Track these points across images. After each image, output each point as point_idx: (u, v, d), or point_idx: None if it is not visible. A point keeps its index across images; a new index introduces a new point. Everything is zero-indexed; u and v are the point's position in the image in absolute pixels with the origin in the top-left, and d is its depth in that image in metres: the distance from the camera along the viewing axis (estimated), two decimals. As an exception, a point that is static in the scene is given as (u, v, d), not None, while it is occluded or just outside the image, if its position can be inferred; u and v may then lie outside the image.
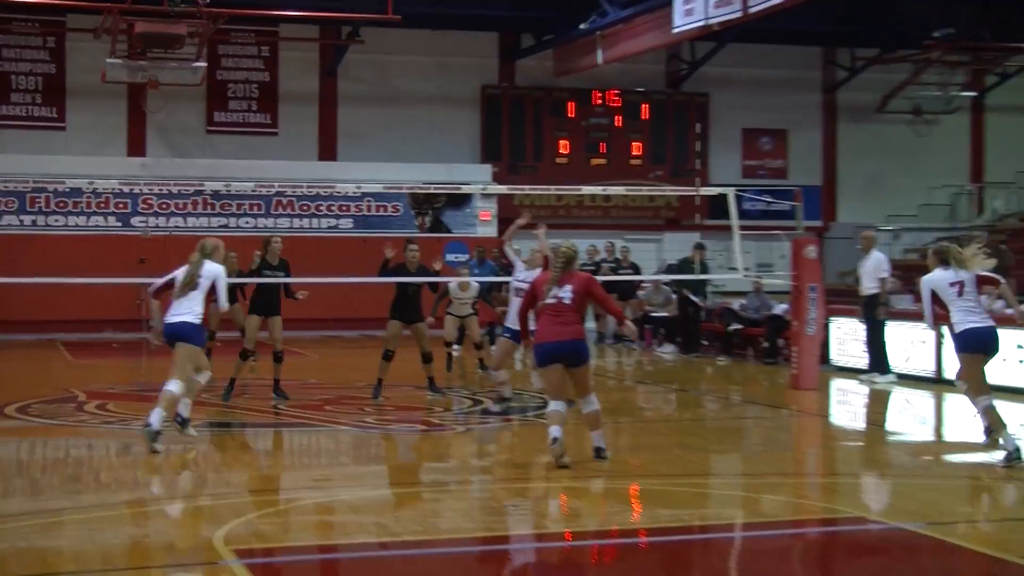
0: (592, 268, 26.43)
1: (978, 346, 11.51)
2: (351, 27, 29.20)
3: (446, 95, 31.35)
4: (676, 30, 23.58)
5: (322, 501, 9.96)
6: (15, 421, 14.11)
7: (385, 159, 29.92)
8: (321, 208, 29.29)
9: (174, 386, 12.17)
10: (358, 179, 26.08)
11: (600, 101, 31.83)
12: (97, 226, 28.02)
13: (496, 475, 11.33)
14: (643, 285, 26.63)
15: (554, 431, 11.00)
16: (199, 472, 11.47)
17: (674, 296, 24.66)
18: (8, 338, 25.82)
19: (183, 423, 12.41)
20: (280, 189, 26.96)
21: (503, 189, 26.49)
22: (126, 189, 27.03)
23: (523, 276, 14.41)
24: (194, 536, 8.76)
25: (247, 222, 28.66)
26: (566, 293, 11.15)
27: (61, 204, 27.92)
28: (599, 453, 11.31)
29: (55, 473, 11.20)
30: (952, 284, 11.56)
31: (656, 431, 14.25)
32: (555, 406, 11.22)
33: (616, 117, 31.91)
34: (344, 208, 29.41)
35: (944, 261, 11.72)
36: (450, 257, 28.23)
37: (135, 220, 28.26)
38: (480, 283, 19.83)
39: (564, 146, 31.61)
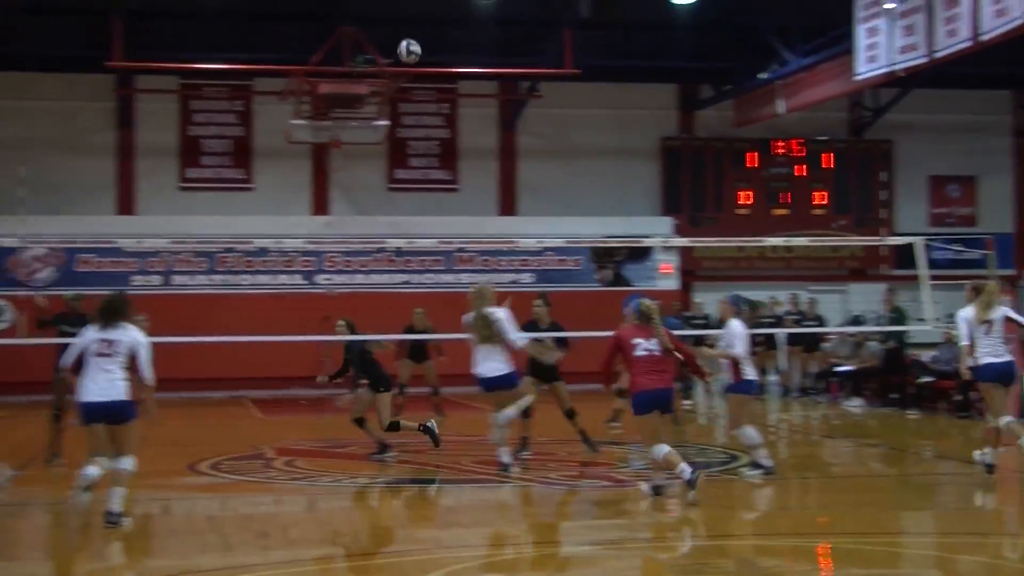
0: (774, 320, 26.17)
1: (995, 377, 13.34)
2: (530, 82, 29.51)
3: (625, 147, 31.41)
4: (859, 77, 23.29)
5: (494, 560, 9.98)
6: (208, 477, 14.47)
7: (565, 213, 30.05)
8: (502, 263, 29.52)
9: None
10: (538, 233, 26.25)
11: (782, 151, 31.53)
12: (283, 285, 28.67)
13: (685, 532, 11.22)
14: (828, 337, 26.23)
15: (686, 471, 11.92)
16: (383, 528, 11.59)
17: (877, 347, 24.15)
18: (199, 396, 26.52)
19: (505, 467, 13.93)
20: (461, 245, 27.30)
21: (684, 241, 26.40)
22: (311, 247, 27.65)
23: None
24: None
25: (429, 278, 29.03)
26: (655, 345, 12.20)
27: (249, 263, 28.65)
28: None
29: (246, 529, 11.44)
30: (983, 322, 13.33)
31: (845, 487, 13.97)
32: (663, 450, 12.09)
33: (798, 166, 31.56)
34: (525, 262, 29.58)
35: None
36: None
37: (320, 278, 28.84)
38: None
39: (745, 197, 31.37)
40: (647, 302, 12.58)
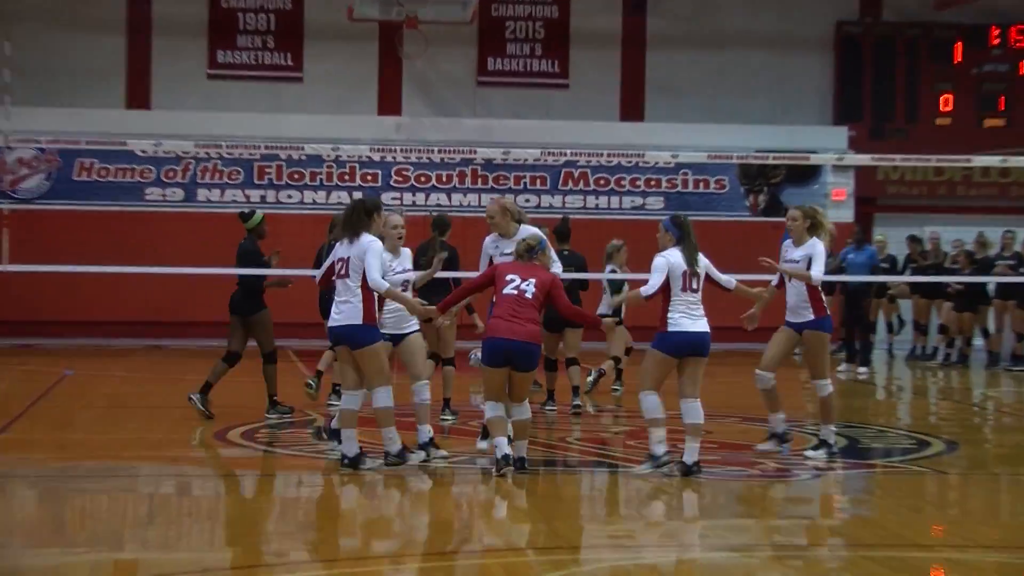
0: (976, 266, 25.80)
1: None
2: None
3: (788, 35, 31.10)
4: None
5: (621, 563, 9.97)
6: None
7: (706, 119, 29.91)
8: (623, 183, 29.39)
9: None
10: (673, 145, 26.09)
11: (998, 41, 31.09)
12: (340, 203, 28.69)
13: (849, 538, 11.11)
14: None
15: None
16: (468, 523, 11.61)
17: None
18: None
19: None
20: (571, 158, 27.19)
21: (864, 159, 26.06)
22: (376, 157, 27.67)
23: None
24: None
25: (528, 200, 28.94)
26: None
27: (296, 176, 28.80)
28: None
29: None
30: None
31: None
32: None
33: (1021, 63, 31.10)
34: (653, 183, 29.44)
35: None
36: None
37: (388, 196, 28.90)
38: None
39: (947, 102, 31.04)
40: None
